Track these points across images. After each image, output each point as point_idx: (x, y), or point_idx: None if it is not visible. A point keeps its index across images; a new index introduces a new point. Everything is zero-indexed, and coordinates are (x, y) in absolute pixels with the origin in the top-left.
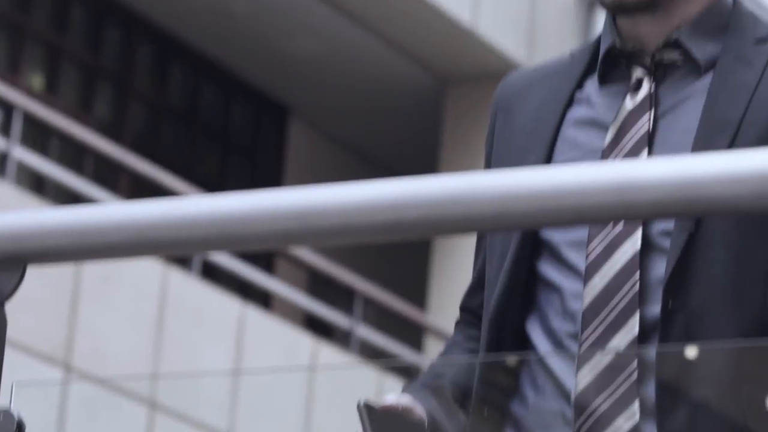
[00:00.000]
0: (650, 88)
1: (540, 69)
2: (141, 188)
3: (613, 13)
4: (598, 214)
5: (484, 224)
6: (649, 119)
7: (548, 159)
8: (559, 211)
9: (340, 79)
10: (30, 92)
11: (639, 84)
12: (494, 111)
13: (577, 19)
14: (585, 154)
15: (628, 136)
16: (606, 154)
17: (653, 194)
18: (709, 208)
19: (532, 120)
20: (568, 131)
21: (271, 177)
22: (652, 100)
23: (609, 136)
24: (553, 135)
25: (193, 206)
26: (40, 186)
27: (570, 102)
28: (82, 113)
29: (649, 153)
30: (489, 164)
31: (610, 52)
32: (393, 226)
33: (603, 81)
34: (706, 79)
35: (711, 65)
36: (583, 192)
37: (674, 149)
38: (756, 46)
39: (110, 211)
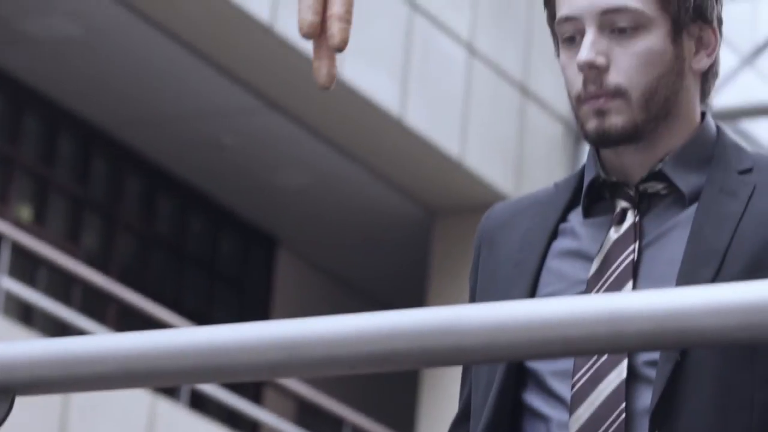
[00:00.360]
0: (635, 219)
1: (524, 200)
2: (129, 319)
3: (597, 146)
4: (587, 346)
5: (472, 356)
6: (634, 250)
7: (533, 290)
8: (547, 343)
9: (327, 210)
10: (18, 223)
11: (623, 215)
12: (478, 244)
13: (565, 151)
14: (570, 286)
15: (613, 267)
16: (591, 285)
17: (641, 326)
18: (697, 339)
19: (517, 251)
20: (553, 263)
21: (259, 308)
22: (637, 231)
23: (593, 267)
24: (538, 266)
25: (181, 337)
26: (28, 316)
27: (555, 234)
28: (70, 244)
29: (634, 284)
30: (473, 298)
31: (593, 183)
32: (381, 358)
33: (587, 213)
34: (691, 210)
35: (695, 196)
36: (571, 323)
37: (659, 280)
38: (740, 176)
39: (98, 342)
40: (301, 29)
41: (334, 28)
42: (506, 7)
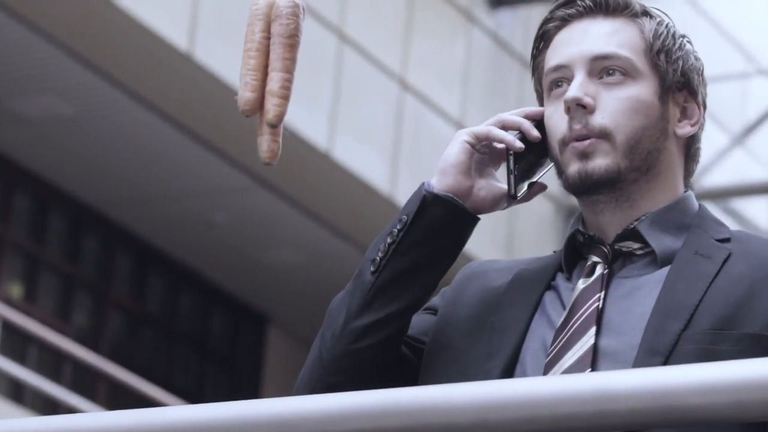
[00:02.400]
0: (603, 271)
1: (526, 260)
2: (119, 397)
3: (577, 192)
4: (576, 424)
5: None
6: (599, 299)
7: (526, 331)
8: (536, 421)
9: (318, 288)
10: (9, 301)
11: (593, 268)
12: (467, 276)
13: (555, 230)
14: (551, 330)
15: (578, 314)
16: (558, 332)
17: (631, 404)
18: (686, 417)
19: (513, 298)
20: (544, 310)
21: (249, 385)
22: (603, 281)
23: (563, 316)
24: (531, 312)
25: (171, 416)
26: (18, 394)
27: (548, 287)
28: (60, 322)
29: (598, 331)
30: (433, 312)
31: (572, 239)
32: None
33: (570, 270)
34: (664, 270)
35: (669, 259)
36: (560, 402)
37: (627, 333)
38: (717, 242)
39: (89, 420)
40: (239, 107)
41: (269, 104)
42: (496, 85)
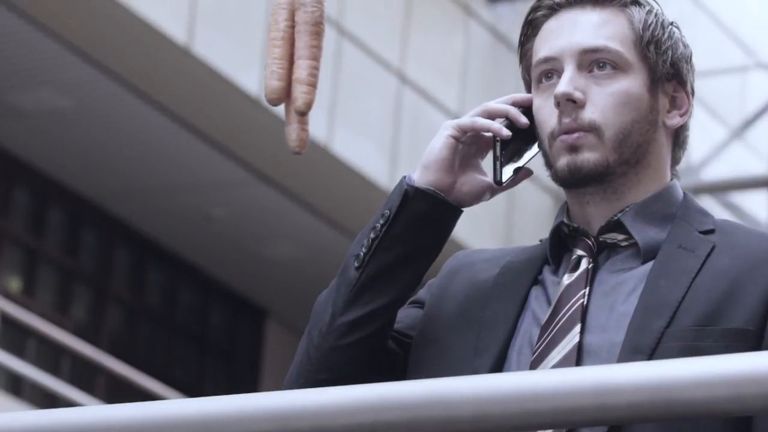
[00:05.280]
0: (588, 266)
1: (514, 250)
2: (118, 390)
3: (566, 185)
4: (575, 418)
5: (462, 426)
6: (584, 295)
7: (514, 328)
8: (537, 415)
9: (317, 282)
10: (7, 295)
11: (578, 262)
12: (450, 272)
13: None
14: (538, 327)
15: (563, 311)
16: (544, 329)
17: (630, 398)
18: (686, 411)
19: (500, 292)
20: (530, 306)
21: (248, 379)
22: (589, 276)
23: (548, 312)
24: (518, 308)
25: (170, 409)
26: (17, 388)
27: (534, 281)
28: (59, 315)
29: (582, 328)
30: (419, 305)
31: (558, 231)
32: (369, 430)
33: (556, 263)
34: (648, 265)
35: (652, 251)
36: (560, 395)
37: (611, 330)
38: (701, 234)
39: (88, 414)
40: (265, 96)
41: (297, 92)
42: (495, 79)
